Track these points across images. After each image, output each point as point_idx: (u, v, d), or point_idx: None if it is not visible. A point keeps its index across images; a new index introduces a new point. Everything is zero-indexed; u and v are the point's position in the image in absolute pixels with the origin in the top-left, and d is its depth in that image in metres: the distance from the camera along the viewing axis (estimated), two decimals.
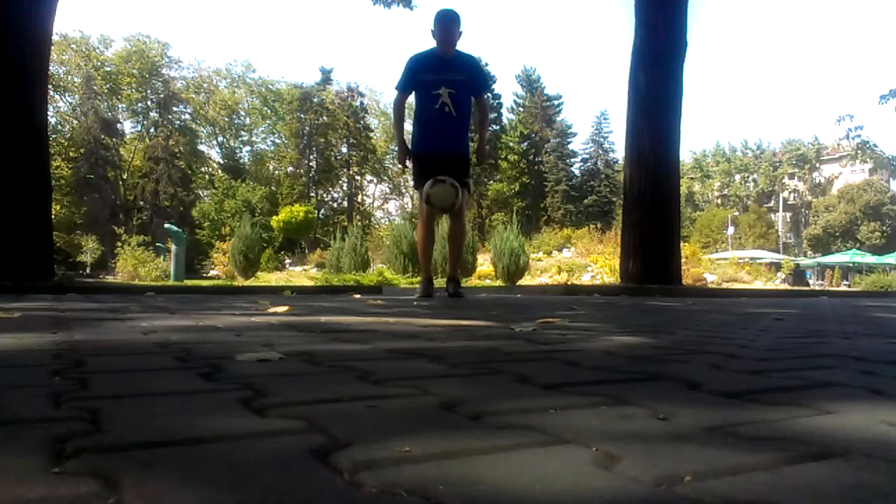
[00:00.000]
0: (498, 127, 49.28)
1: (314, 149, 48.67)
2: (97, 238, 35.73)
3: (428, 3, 4.65)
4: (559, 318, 2.54)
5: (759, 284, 17.64)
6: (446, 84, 4.84)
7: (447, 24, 4.81)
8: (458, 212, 4.98)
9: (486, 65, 45.26)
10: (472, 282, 13.32)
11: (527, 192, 49.85)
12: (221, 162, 52.41)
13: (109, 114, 46.04)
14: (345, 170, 50.15)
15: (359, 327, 2.03)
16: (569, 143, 52.38)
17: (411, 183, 57.26)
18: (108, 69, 46.66)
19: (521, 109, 52.15)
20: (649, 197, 7.57)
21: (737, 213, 56.49)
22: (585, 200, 50.00)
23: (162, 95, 46.83)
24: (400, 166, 5.43)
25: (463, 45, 5.08)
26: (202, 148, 52.10)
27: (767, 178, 62.13)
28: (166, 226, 19.79)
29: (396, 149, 5.34)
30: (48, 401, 0.81)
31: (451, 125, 4.91)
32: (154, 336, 1.66)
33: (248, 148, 54.16)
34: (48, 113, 7.84)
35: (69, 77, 44.25)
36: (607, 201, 49.30)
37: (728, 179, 64.40)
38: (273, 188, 48.64)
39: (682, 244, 9.38)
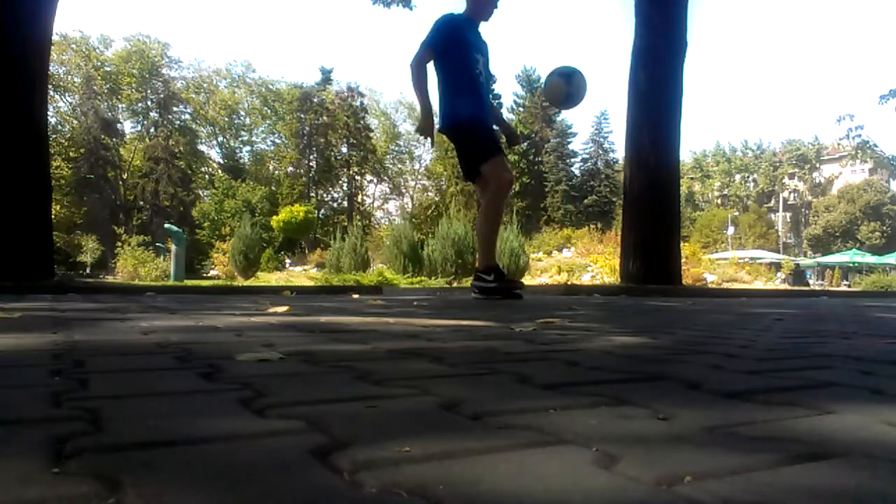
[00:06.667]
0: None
1: (314, 149, 48.66)
2: (97, 238, 35.69)
3: (427, 3, 4.55)
4: (559, 318, 2.54)
5: (759, 284, 17.63)
6: (481, 53, 4.45)
7: None
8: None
9: None
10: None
11: (527, 192, 49.83)
12: (221, 162, 52.41)
13: (109, 114, 46.00)
14: (345, 170, 50.13)
15: (359, 327, 2.03)
16: (569, 143, 52.37)
17: (411, 183, 57.27)
18: (108, 69, 46.65)
19: (521, 109, 52.14)
20: (649, 197, 7.56)
21: (737, 213, 56.46)
22: (585, 200, 49.98)
23: (162, 95, 46.81)
24: (422, 138, 4.56)
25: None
26: (202, 148, 52.14)
27: (767, 178, 62.12)
28: (166, 226, 19.78)
29: (421, 117, 4.45)
30: (48, 401, 0.81)
31: (488, 94, 4.49)
32: (154, 336, 1.66)
33: (248, 148, 54.21)
34: (48, 113, 7.84)
35: (69, 77, 44.24)
36: (607, 201, 49.28)
37: (728, 179, 64.38)
38: (273, 188, 48.63)
39: (682, 244, 9.38)
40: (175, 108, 48.30)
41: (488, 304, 3.84)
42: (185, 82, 49.38)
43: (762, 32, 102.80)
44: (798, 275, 32.17)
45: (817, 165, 62.25)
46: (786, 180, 62.19)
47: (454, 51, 4.39)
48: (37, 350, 1.35)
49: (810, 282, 32.12)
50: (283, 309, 2.81)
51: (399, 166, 55.90)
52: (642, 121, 7.74)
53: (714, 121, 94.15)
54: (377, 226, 45.39)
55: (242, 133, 53.69)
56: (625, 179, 8.21)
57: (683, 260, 10.04)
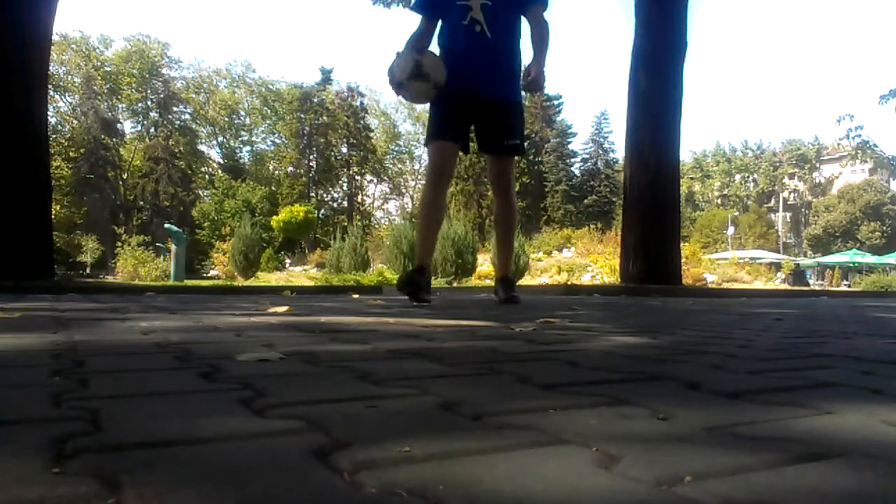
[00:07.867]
0: None
1: (314, 149, 48.67)
2: (97, 238, 35.72)
3: None
4: (559, 318, 2.53)
5: (759, 284, 17.63)
6: None
7: None
8: (506, 186, 3.90)
9: None
10: (473, 282, 13.32)
11: (527, 192, 49.78)
12: (221, 162, 52.43)
13: (109, 114, 46.02)
14: (345, 170, 50.14)
15: (359, 327, 2.03)
16: (569, 143, 52.36)
17: (411, 183, 57.43)
18: (108, 69, 46.66)
19: None
20: (649, 197, 7.57)
21: (737, 213, 56.47)
22: (585, 200, 49.98)
23: (162, 95, 46.83)
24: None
25: None
26: (202, 148, 52.18)
27: (767, 178, 62.12)
28: (166, 226, 19.77)
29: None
30: (48, 401, 0.81)
31: (488, 53, 3.52)
32: (154, 336, 1.66)
33: (248, 148, 54.25)
34: (48, 113, 7.84)
35: (69, 77, 44.26)
36: (607, 201, 49.27)
37: (728, 179, 64.38)
38: (273, 188, 48.63)
39: (682, 244, 9.38)
40: (175, 108, 48.32)
41: (488, 304, 3.84)
42: (185, 82, 49.43)
43: (762, 32, 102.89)
44: (798, 275, 32.16)
45: (817, 165, 62.26)
46: (786, 180, 62.20)
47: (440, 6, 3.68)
48: (37, 350, 1.35)
49: (810, 282, 32.12)
50: (283, 309, 2.81)
51: (399, 166, 55.92)
52: (642, 121, 7.74)
53: (714, 121, 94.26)
54: (377, 226, 45.40)
55: (242, 133, 53.75)
56: (625, 179, 8.22)
57: (683, 260, 10.04)
